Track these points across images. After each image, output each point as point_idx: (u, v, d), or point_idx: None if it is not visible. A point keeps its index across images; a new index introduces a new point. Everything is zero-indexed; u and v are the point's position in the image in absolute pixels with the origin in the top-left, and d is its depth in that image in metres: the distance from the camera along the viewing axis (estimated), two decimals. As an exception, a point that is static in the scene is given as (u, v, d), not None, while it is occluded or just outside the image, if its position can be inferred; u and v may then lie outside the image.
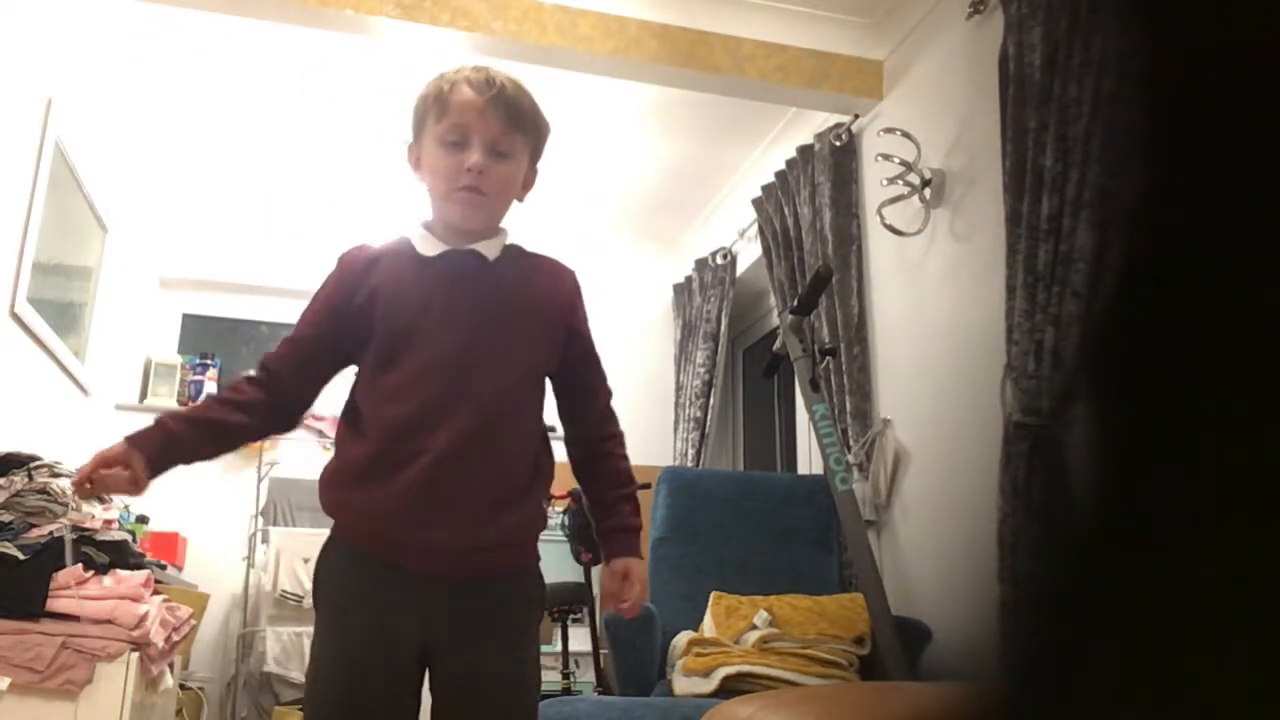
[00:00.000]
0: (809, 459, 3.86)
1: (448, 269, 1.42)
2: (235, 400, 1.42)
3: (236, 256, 4.88)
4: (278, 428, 1.47)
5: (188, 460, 1.38)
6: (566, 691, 3.23)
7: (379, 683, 1.34)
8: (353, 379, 1.46)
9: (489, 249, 1.44)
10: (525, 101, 1.44)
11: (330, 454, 1.46)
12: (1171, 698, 0.29)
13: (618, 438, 1.53)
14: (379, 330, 1.39)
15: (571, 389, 1.50)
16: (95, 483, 1.34)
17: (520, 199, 1.49)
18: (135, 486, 1.34)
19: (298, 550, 4.12)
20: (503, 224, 1.50)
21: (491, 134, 1.39)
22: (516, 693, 1.40)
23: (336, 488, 1.40)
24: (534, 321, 1.44)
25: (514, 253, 1.48)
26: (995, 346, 2.44)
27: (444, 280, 1.41)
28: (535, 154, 1.49)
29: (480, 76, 1.41)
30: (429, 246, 1.43)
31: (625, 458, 1.52)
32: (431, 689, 1.39)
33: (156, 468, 1.35)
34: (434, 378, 1.35)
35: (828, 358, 3.17)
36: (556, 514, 3.20)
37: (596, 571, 2.34)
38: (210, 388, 4.79)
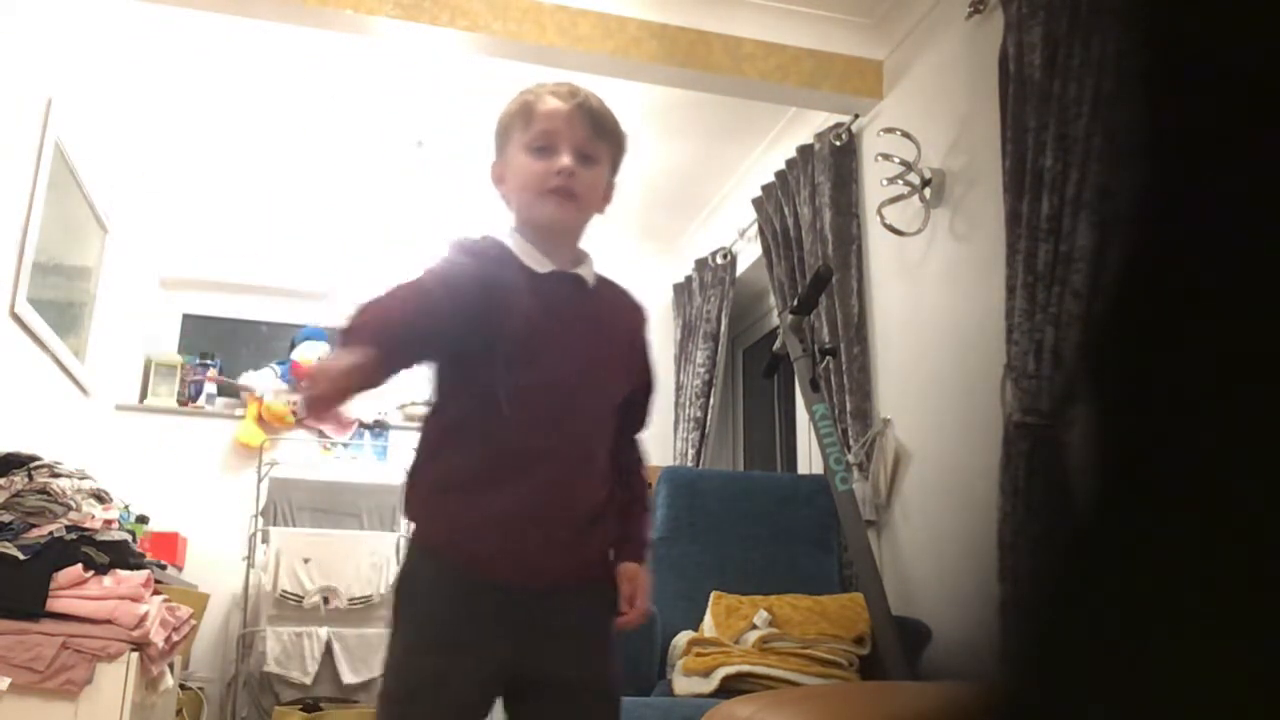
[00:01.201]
0: (809, 459, 3.86)
1: (558, 289, 1.43)
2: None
3: (236, 256, 4.88)
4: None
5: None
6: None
7: (471, 701, 1.35)
8: (442, 378, 1.43)
9: (588, 274, 1.47)
10: (607, 112, 1.49)
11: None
12: (1172, 698, 0.29)
13: (644, 460, 1.59)
14: (496, 334, 1.37)
15: (626, 415, 1.53)
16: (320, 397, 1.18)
17: (601, 211, 1.52)
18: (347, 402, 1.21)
19: (298, 550, 4.12)
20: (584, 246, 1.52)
21: (578, 139, 1.43)
22: (611, 698, 1.44)
23: (434, 497, 1.39)
24: (622, 353, 1.49)
25: (601, 280, 1.51)
26: (995, 346, 2.44)
27: (556, 300, 1.42)
28: (615, 165, 1.52)
29: (564, 88, 1.46)
30: (536, 262, 1.43)
31: (642, 479, 1.57)
32: (518, 700, 1.40)
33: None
34: (545, 395, 1.37)
35: (828, 357, 3.16)
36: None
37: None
38: (210, 388, 4.79)
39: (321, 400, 1.16)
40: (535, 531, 1.35)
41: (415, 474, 1.41)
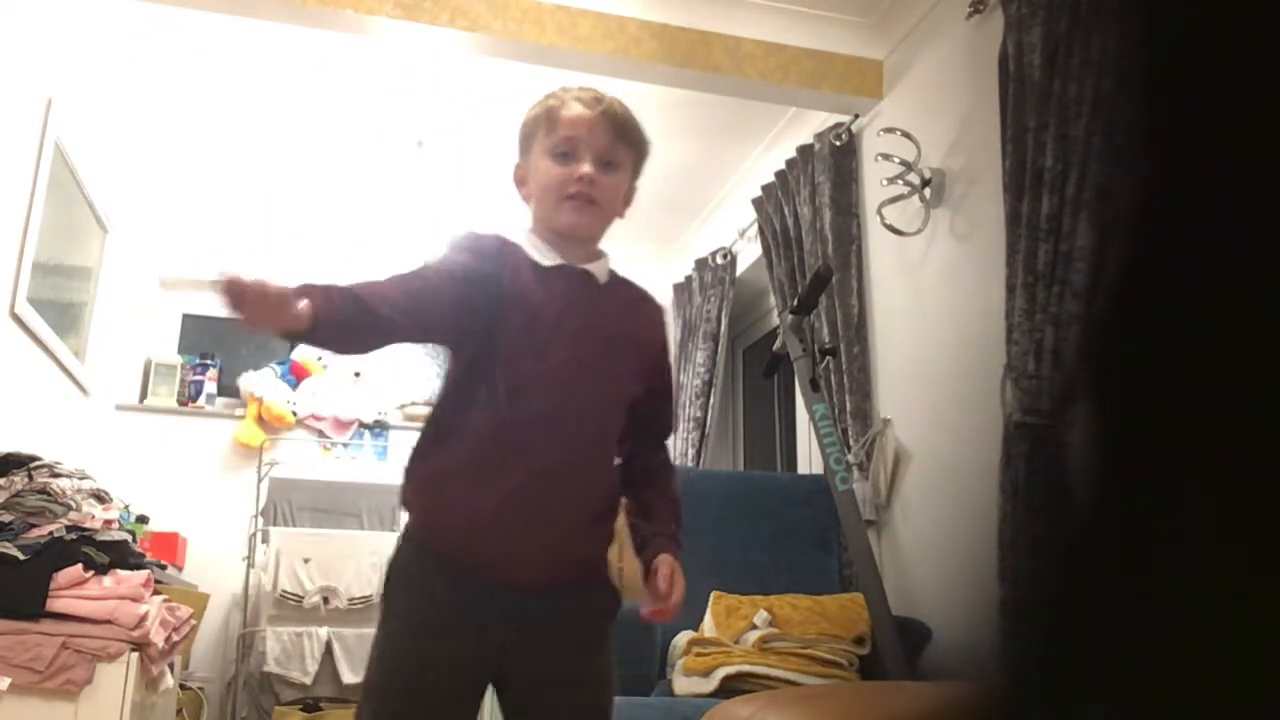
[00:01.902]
0: (809, 459, 3.86)
1: (564, 284, 1.44)
2: (381, 299, 1.28)
3: (236, 257, 4.88)
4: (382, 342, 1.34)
5: (333, 333, 1.25)
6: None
7: (453, 696, 1.35)
8: (448, 371, 1.45)
9: (599, 271, 1.48)
10: (631, 119, 1.49)
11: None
12: (1172, 697, 0.29)
13: (670, 462, 1.58)
14: (499, 325, 1.38)
15: (643, 414, 1.52)
16: (251, 300, 1.13)
17: (621, 215, 1.52)
18: (291, 320, 1.16)
19: (298, 550, 4.12)
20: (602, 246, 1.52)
21: (600, 146, 1.44)
22: (602, 699, 1.44)
23: (427, 488, 1.40)
24: (633, 352, 1.48)
25: (615, 278, 1.52)
26: (995, 346, 2.44)
27: (560, 295, 1.43)
28: (637, 170, 1.53)
29: (589, 94, 1.47)
30: (544, 256, 1.44)
31: (675, 478, 1.56)
32: (507, 696, 1.40)
33: (319, 321, 1.18)
34: (546, 389, 1.37)
35: (828, 357, 3.16)
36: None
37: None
38: (210, 388, 4.79)
39: (239, 289, 1.11)
40: (526, 529, 1.35)
41: (412, 464, 1.41)
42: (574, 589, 1.40)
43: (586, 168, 1.42)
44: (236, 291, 1.12)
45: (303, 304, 1.16)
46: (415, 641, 1.35)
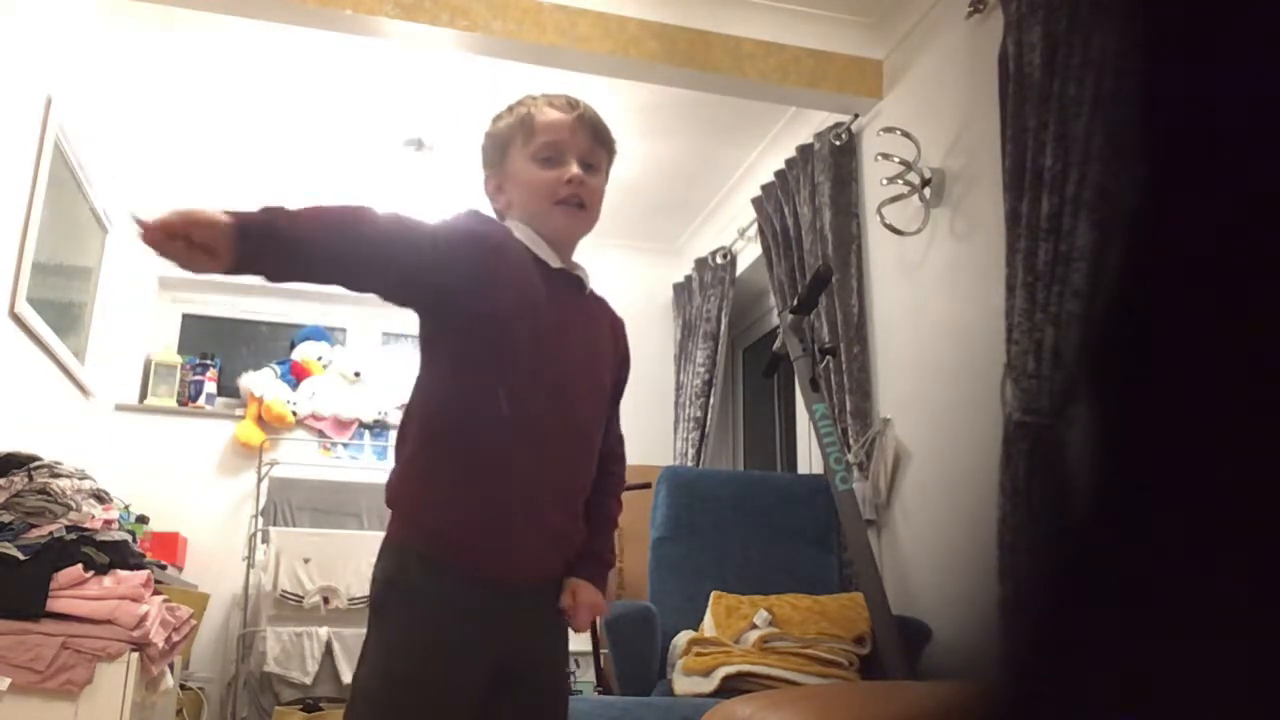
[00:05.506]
0: (809, 459, 3.86)
1: (565, 288, 1.45)
2: (366, 230, 1.27)
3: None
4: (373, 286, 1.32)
5: (275, 272, 1.22)
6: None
7: (464, 699, 1.32)
8: (439, 370, 1.39)
9: (585, 276, 1.50)
10: (603, 122, 1.51)
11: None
12: (1172, 697, 0.29)
13: (616, 478, 1.55)
14: (502, 319, 1.35)
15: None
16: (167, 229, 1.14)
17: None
18: (210, 261, 1.17)
19: (298, 550, 4.12)
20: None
21: (581, 149, 1.45)
22: (566, 691, 1.49)
23: (428, 495, 1.34)
24: (609, 355, 1.52)
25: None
26: (995, 346, 2.44)
27: (564, 295, 1.44)
28: (608, 173, 1.55)
29: (561, 99, 1.48)
30: (550, 257, 1.44)
31: (617, 499, 1.55)
32: (494, 694, 1.37)
33: (242, 259, 1.20)
34: (551, 389, 1.37)
35: (828, 357, 3.16)
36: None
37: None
38: (210, 388, 4.79)
39: (164, 227, 1.13)
40: (530, 526, 1.34)
41: (405, 470, 1.36)
42: (552, 585, 1.42)
43: (576, 169, 1.43)
44: (155, 231, 1.12)
45: (224, 217, 1.14)
46: (424, 655, 1.30)
